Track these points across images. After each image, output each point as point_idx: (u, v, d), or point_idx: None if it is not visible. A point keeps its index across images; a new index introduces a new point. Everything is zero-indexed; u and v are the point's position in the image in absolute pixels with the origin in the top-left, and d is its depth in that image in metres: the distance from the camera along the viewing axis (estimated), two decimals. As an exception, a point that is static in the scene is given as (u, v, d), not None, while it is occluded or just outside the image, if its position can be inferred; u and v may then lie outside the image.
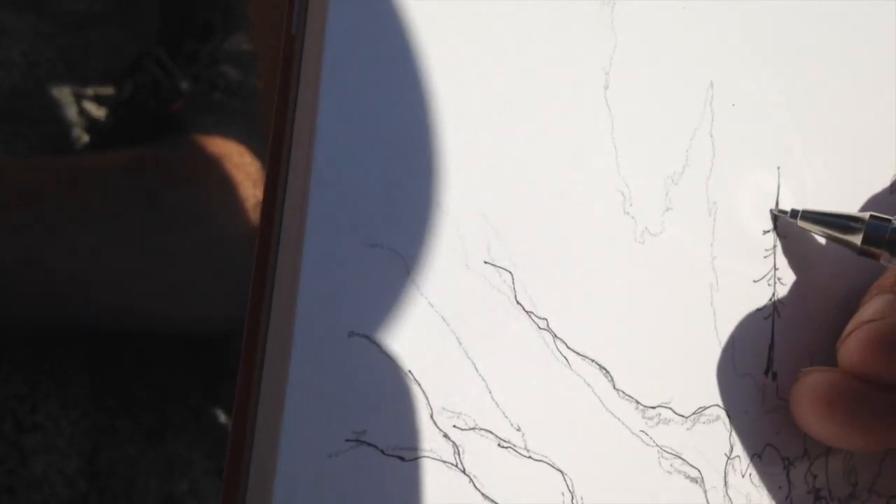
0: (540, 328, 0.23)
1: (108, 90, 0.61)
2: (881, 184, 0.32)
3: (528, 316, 0.23)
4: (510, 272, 0.23)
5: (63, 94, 0.59)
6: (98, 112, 0.60)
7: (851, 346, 0.26)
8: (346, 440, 0.20)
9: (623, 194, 0.25)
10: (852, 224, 0.27)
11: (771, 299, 0.28)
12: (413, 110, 0.21)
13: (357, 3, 0.20)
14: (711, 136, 0.27)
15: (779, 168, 0.29)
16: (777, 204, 0.29)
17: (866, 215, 0.27)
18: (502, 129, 0.23)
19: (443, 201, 0.22)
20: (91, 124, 0.59)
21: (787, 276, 0.29)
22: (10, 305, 0.49)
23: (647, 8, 0.25)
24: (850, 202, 0.31)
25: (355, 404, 0.20)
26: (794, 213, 0.28)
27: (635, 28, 0.25)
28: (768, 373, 0.28)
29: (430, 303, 0.21)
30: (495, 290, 0.22)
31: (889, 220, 0.26)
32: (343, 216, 0.20)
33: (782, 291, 0.28)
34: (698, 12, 0.26)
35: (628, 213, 0.25)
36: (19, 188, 0.51)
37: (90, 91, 0.60)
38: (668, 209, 0.26)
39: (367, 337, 0.20)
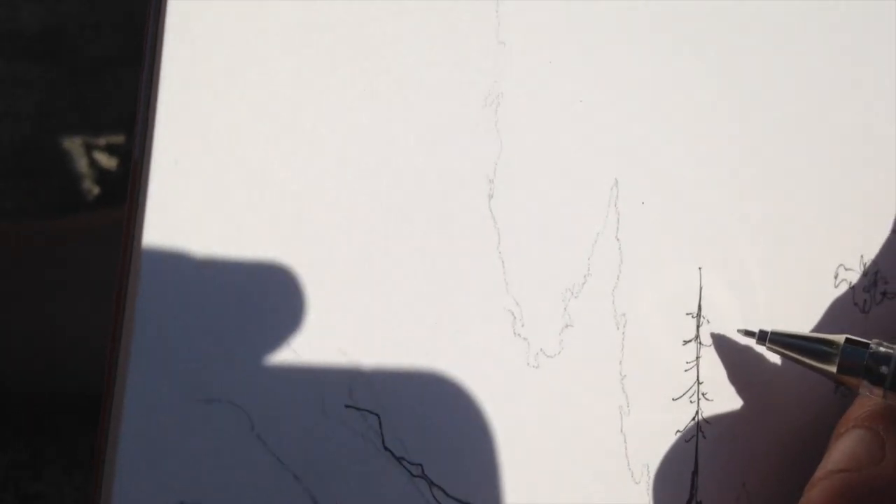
0: (413, 475, 0.21)
1: (119, 138, 0.60)
2: (822, 279, 0.29)
3: (398, 463, 0.20)
4: (377, 415, 0.20)
5: (74, 145, 0.58)
6: (109, 162, 0.58)
7: (816, 498, 0.23)
8: None
9: (513, 314, 0.23)
10: (824, 349, 0.24)
11: (694, 418, 0.26)
12: (252, 245, 0.19)
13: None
14: (618, 239, 0.25)
15: (700, 269, 0.26)
16: (700, 309, 0.26)
17: (841, 338, 0.24)
18: (367, 250, 0.20)
19: (293, 342, 0.19)
20: (101, 175, 0.58)
21: (714, 391, 0.26)
22: (9, 370, 0.48)
23: (536, 106, 0.23)
24: (787, 303, 0.28)
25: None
26: (763, 336, 0.25)
27: (523, 129, 0.23)
28: (691, 503, 0.25)
29: (278, 459, 0.19)
30: (359, 437, 0.20)
31: (867, 345, 0.24)
32: (170, 372, 0.18)
33: (708, 409, 0.26)
34: (598, 107, 0.24)
35: (519, 335, 0.23)
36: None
37: (102, 141, 0.59)
38: (567, 326, 0.23)
39: (195, 506, 0.18)
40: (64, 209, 0.54)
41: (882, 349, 0.23)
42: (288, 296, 0.19)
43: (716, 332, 0.26)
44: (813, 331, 0.28)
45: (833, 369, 0.24)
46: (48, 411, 0.51)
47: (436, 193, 0.22)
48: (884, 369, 0.23)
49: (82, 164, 0.58)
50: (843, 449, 0.24)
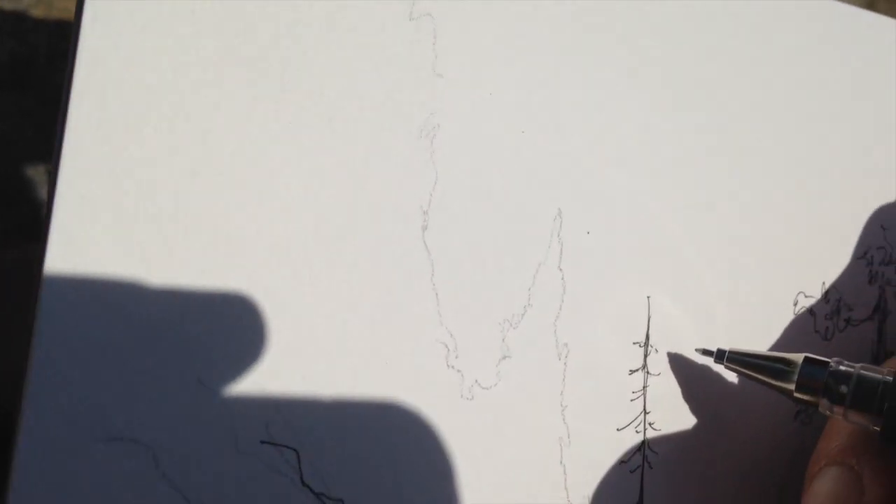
0: (334, 511, 0.20)
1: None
2: (782, 307, 0.28)
3: (317, 498, 0.20)
4: (295, 450, 0.20)
5: (38, 172, 0.58)
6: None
7: None
8: None
9: (446, 346, 0.22)
10: (782, 367, 0.24)
11: (640, 449, 0.25)
12: (162, 276, 0.19)
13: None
14: (560, 269, 0.24)
15: (648, 298, 0.26)
16: (647, 338, 0.26)
17: (799, 357, 0.24)
18: (291, 280, 0.20)
19: (204, 377, 0.19)
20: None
21: (661, 421, 0.26)
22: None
23: (475, 137, 0.23)
24: (745, 332, 0.28)
25: None
26: (720, 355, 0.25)
27: (460, 160, 0.23)
28: (635, 535, 0.25)
29: (185, 499, 0.19)
30: (276, 473, 0.20)
31: (826, 363, 0.23)
32: (68, 410, 0.18)
33: (655, 439, 0.25)
34: (541, 136, 0.24)
35: (453, 367, 0.22)
36: None
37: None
38: (504, 357, 0.23)
39: (98, 547, 0.18)
40: (29, 237, 0.55)
41: (842, 368, 0.23)
42: (199, 328, 0.19)
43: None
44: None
45: (791, 387, 0.23)
46: None
47: (367, 225, 0.21)
48: (843, 388, 0.23)
49: (45, 192, 0.58)
50: (821, 491, 0.23)
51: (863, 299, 0.30)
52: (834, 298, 0.29)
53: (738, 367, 0.24)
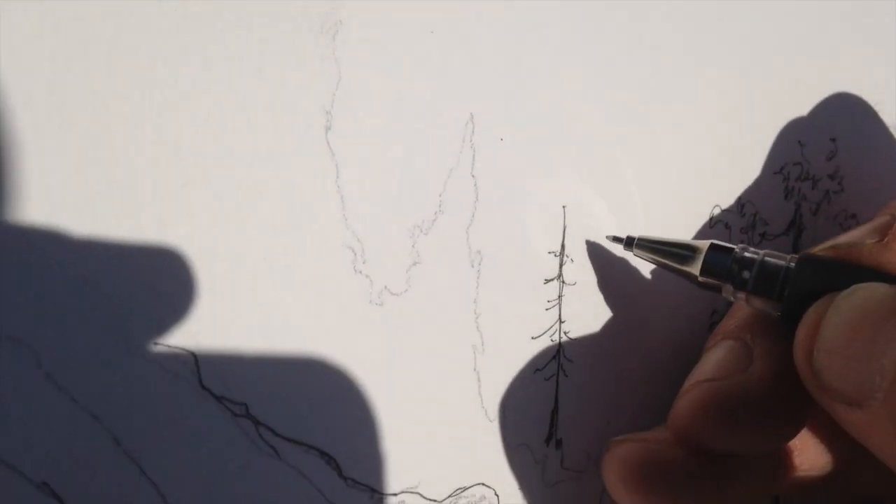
0: (236, 415, 0.20)
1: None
2: (697, 220, 0.28)
3: (218, 402, 0.20)
4: (192, 353, 0.19)
5: None
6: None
7: (685, 410, 0.22)
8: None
9: (353, 250, 0.22)
10: (689, 254, 0.24)
11: (555, 357, 0.25)
12: (44, 169, 0.18)
13: None
14: (473, 176, 0.24)
15: (564, 207, 0.25)
16: (563, 248, 0.25)
17: (706, 244, 0.24)
18: (186, 180, 0.19)
19: (89, 275, 0.18)
20: None
21: (577, 329, 0.25)
22: None
23: (380, 35, 0.22)
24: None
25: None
26: (630, 241, 0.25)
27: (365, 58, 0.22)
28: (550, 441, 0.25)
29: (72, 398, 0.18)
30: (171, 376, 0.19)
31: (731, 250, 0.23)
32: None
33: (570, 348, 0.25)
34: (452, 39, 0.23)
35: (360, 272, 0.22)
36: None
37: None
38: (415, 263, 0.23)
39: (-24, 447, 0.17)
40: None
41: (747, 254, 0.23)
42: (87, 222, 0.18)
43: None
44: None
45: (696, 272, 0.23)
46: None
47: (266, 124, 0.20)
48: (746, 274, 0.23)
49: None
50: (712, 360, 0.23)
51: (778, 214, 0.30)
52: (749, 213, 0.29)
53: (646, 254, 0.24)
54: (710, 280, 0.23)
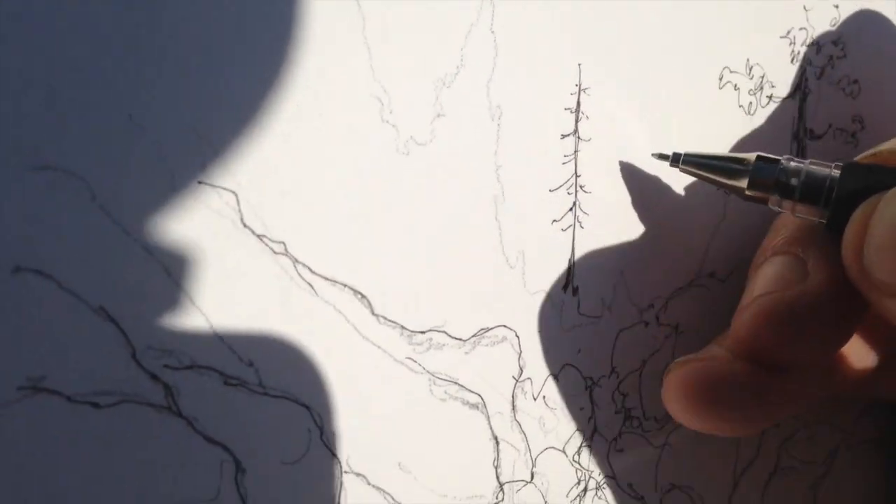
0: (276, 253, 0.21)
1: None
2: (707, 81, 0.29)
3: (259, 240, 0.21)
4: (233, 192, 0.20)
5: None
6: None
7: (750, 322, 0.23)
8: (19, 388, 0.18)
9: (380, 100, 0.22)
10: (736, 167, 0.25)
11: (571, 209, 0.26)
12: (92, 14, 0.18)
13: None
14: (493, 32, 0.24)
15: (580, 65, 0.26)
16: (578, 105, 0.26)
17: (752, 156, 0.24)
18: (219, 26, 0.20)
19: (136, 114, 0.19)
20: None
21: (592, 184, 0.26)
22: None
23: None
24: (670, 102, 0.28)
25: (29, 347, 0.18)
26: (676, 158, 0.25)
27: (388, -90, 0.22)
28: (567, 288, 0.26)
29: (124, 230, 0.19)
30: (215, 214, 0.20)
31: (777, 161, 0.24)
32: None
33: (586, 201, 0.26)
34: None
35: (387, 122, 0.23)
36: None
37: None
38: (438, 115, 0.23)
39: (38, 272, 0.18)
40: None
41: (793, 164, 0.24)
42: (131, 64, 0.19)
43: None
44: (700, 132, 0.29)
45: (744, 185, 0.24)
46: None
47: (294, -26, 0.21)
48: (793, 181, 0.24)
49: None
50: (766, 274, 0.24)
51: (784, 77, 0.31)
52: (758, 75, 0.30)
53: (692, 169, 0.25)
54: (757, 193, 0.24)
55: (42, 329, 0.18)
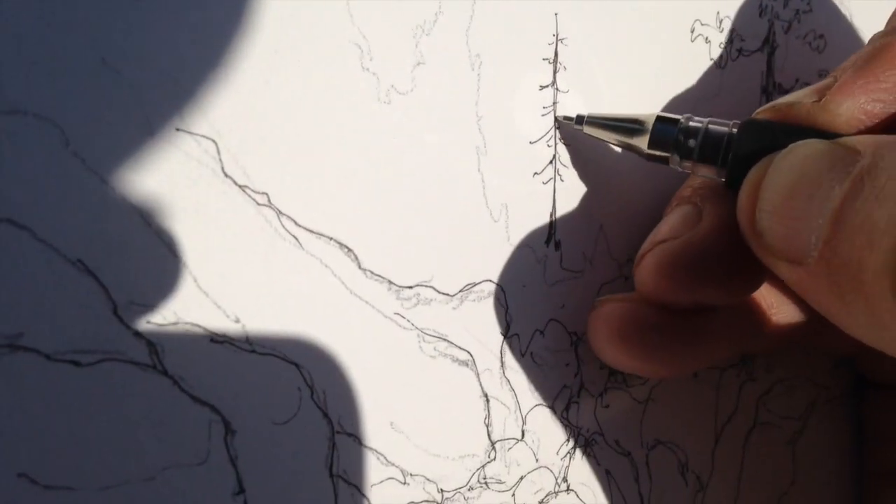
0: (259, 204, 0.20)
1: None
2: (679, 33, 0.29)
3: (241, 190, 0.20)
4: (213, 140, 0.19)
5: None
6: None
7: (644, 271, 0.24)
8: (-5, 347, 0.16)
9: (360, 47, 0.22)
10: (636, 126, 0.24)
11: (551, 161, 0.26)
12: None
13: None
14: (470, -22, 0.24)
15: (556, 15, 0.25)
16: (556, 55, 0.26)
17: (652, 116, 0.24)
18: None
19: (109, 58, 0.18)
20: None
21: (570, 135, 0.26)
22: None
23: None
24: (643, 56, 0.28)
25: (4, 303, 0.17)
26: (580, 119, 0.25)
27: None
28: (549, 242, 0.25)
29: (101, 179, 0.18)
30: (194, 162, 0.19)
31: (676, 121, 0.23)
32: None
33: (565, 153, 0.26)
34: None
35: (367, 69, 0.22)
36: None
37: None
38: (419, 63, 0.23)
39: (11, 222, 0.17)
40: None
41: (692, 124, 0.23)
42: (107, 12, 0.18)
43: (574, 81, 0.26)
44: (673, 86, 0.28)
45: (644, 145, 0.24)
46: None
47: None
48: (692, 142, 0.23)
49: None
50: (666, 222, 0.24)
51: (753, 30, 0.31)
52: (728, 28, 0.30)
53: (594, 129, 0.25)
54: (657, 152, 0.24)
55: (18, 283, 0.17)
